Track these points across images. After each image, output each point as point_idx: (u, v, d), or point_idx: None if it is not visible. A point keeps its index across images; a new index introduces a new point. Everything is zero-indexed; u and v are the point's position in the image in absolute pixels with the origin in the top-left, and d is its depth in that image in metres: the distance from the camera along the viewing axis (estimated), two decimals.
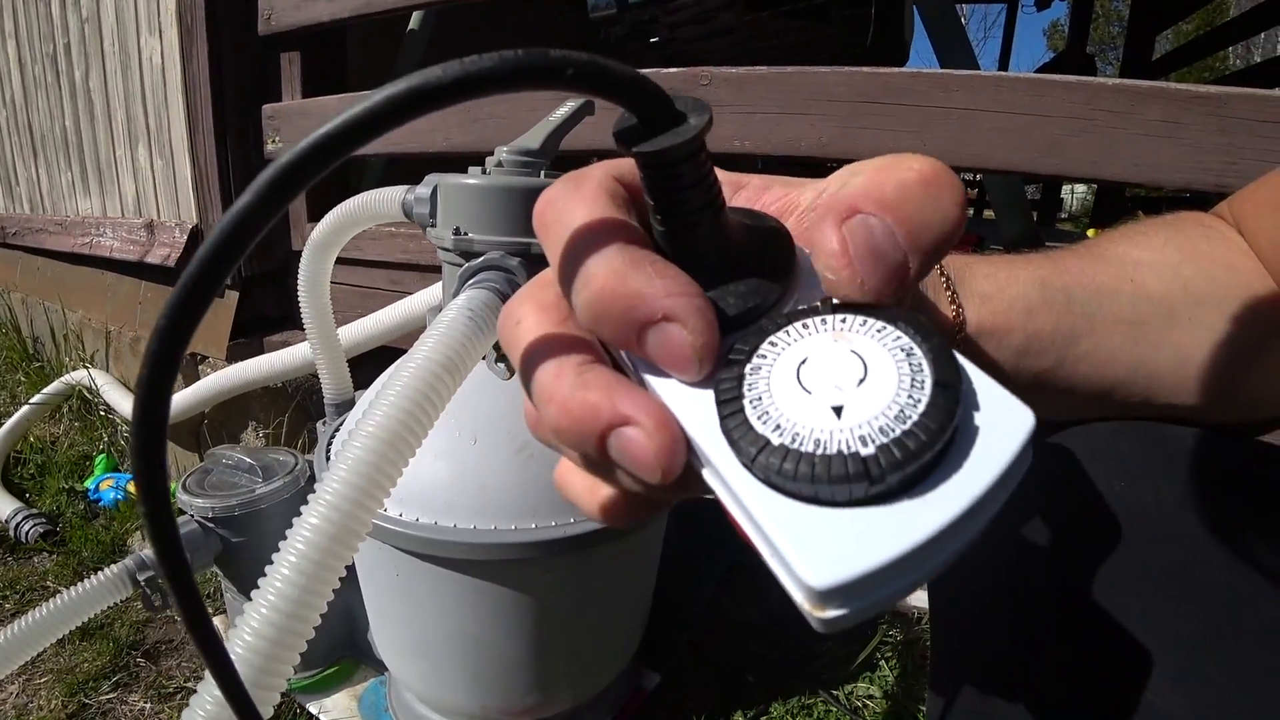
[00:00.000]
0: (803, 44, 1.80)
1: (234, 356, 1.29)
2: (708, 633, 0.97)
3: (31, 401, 1.66)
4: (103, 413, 1.62)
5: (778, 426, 0.16)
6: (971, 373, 0.16)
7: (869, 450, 0.15)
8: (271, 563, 0.36)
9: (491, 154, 0.64)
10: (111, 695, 0.97)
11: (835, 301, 0.17)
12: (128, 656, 1.04)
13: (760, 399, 0.16)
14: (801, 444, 0.15)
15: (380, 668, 0.90)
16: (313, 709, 0.86)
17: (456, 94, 0.14)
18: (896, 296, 0.17)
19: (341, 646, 0.93)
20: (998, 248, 1.25)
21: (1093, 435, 0.31)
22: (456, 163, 0.78)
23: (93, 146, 1.76)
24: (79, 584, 0.80)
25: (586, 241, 0.17)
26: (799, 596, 0.15)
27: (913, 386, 0.15)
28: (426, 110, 0.14)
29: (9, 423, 1.62)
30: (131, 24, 1.47)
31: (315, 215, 1.27)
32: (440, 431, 0.38)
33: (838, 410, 0.16)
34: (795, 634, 0.96)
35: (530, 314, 0.19)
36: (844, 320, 0.17)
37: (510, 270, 0.51)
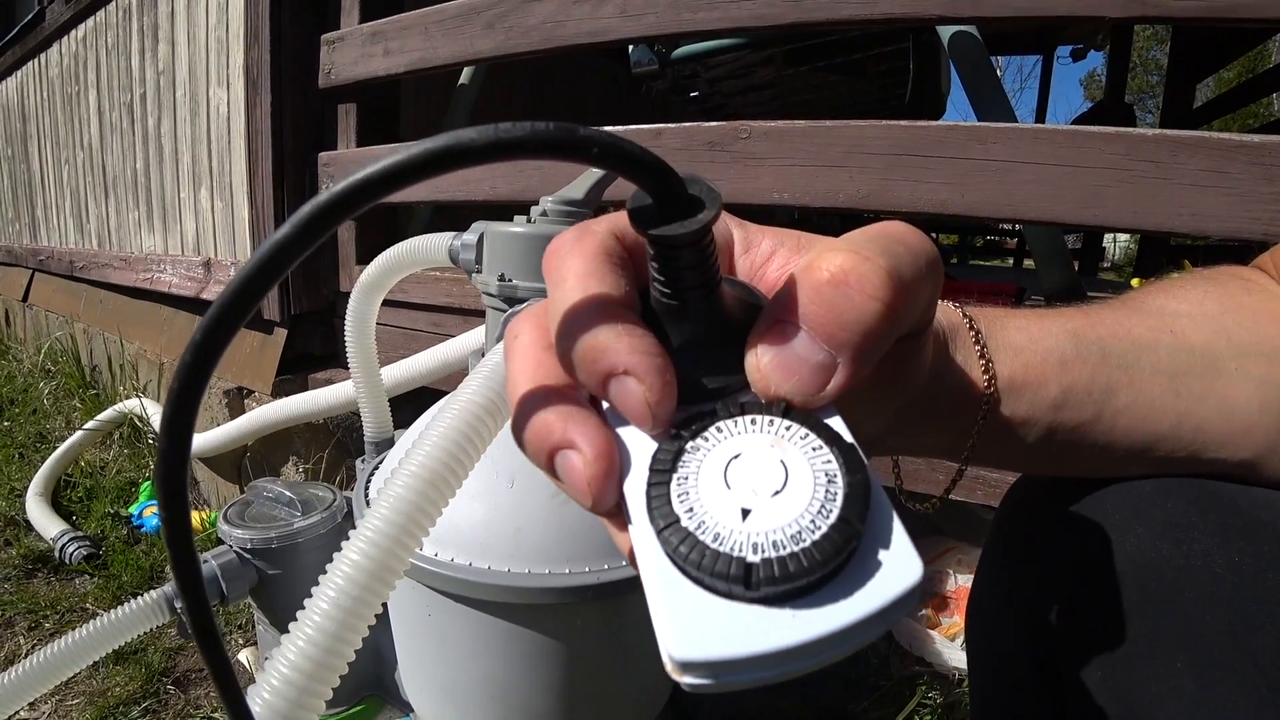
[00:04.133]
0: (839, 98, 1.83)
1: (279, 392, 1.33)
2: (739, 692, 0.95)
3: (85, 427, 1.73)
4: (151, 441, 1.67)
5: (690, 510, 0.17)
6: (883, 514, 0.17)
7: (755, 558, 0.16)
8: (310, 596, 0.37)
9: (535, 203, 0.66)
10: None
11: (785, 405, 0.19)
12: (158, 683, 1.05)
13: (687, 479, 0.18)
14: (703, 533, 0.17)
15: (405, 708, 0.90)
16: None
17: (487, 156, 0.16)
18: (839, 389, 0.19)
19: (368, 685, 0.93)
20: (1038, 299, 1.23)
21: (1135, 493, 0.30)
22: (501, 211, 0.81)
23: (159, 188, 1.86)
24: (117, 608, 0.82)
25: (575, 295, 0.19)
26: (664, 658, 0.16)
27: (818, 514, 0.17)
28: (458, 167, 0.16)
29: (63, 447, 1.68)
30: (202, 76, 1.57)
31: (364, 258, 1.31)
32: (477, 473, 0.39)
33: (745, 513, 0.17)
34: (828, 694, 0.93)
35: (528, 332, 0.21)
36: (788, 428, 0.18)
37: None
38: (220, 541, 0.90)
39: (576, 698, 0.61)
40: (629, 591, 0.56)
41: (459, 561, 0.54)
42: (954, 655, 0.92)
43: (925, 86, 1.63)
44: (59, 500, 1.59)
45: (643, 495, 0.18)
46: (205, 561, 0.87)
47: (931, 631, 0.95)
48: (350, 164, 1.27)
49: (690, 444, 0.18)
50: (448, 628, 0.59)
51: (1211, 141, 0.72)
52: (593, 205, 0.65)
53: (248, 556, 0.85)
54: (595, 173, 0.68)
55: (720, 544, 0.16)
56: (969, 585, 0.99)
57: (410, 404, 0.95)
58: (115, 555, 1.36)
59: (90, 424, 1.74)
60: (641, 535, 0.18)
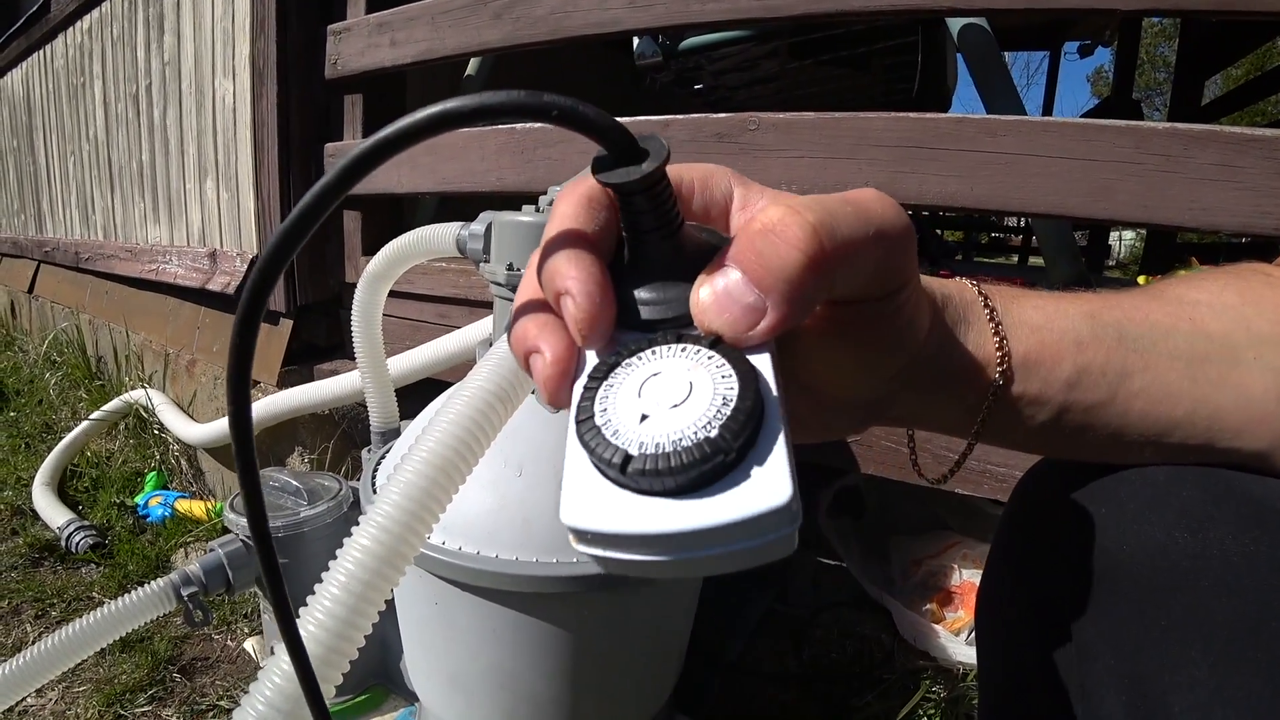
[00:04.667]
0: (843, 91, 1.82)
1: (285, 383, 1.33)
2: (740, 682, 0.95)
3: (91, 418, 1.73)
4: (156, 431, 1.68)
5: (604, 410, 0.21)
6: (772, 441, 0.19)
7: (635, 452, 0.19)
8: (320, 581, 0.37)
9: (542, 194, 0.66)
10: (146, 709, 0.98)
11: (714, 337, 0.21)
12: (164, 671, 1.06)
13: (612, 387, 0.21)
14: (606, 428, 0.20)
15: (410, 698, 0.90)
16: None
17: (474, 119, 0.19)
18: (767, 330, 0.21)
19: (374, 674, 0.93)
20: None
21: (1149, 481, 0.30)
22: (507, 202, 0.81)
23: (165, 179, 1.86)
24: (124, 596, 0.82)
25: (553, 230, 0.23)
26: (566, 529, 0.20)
27: (702, 428, 0.19)
28: (454, 128, 0.20)
29: (69, 437, 1.69)
30: (208, 67, 1.56)
31: (369, 249, 1.31)
32: (486, 462, 0.39)
33: (644, 417, 0.20)
34: (832, 686, 0.93)
35: (531, 260, 0.25)
36: (710, 357, 0.21)
37: None
38: (227, 530, 0.91)
39: (582, 687, 0.61)
40: (636, 582, 0.56)
41: (467, 550, 0.54)
42: (958, 650, 0.92)
43: (931, 81, 1.62)
44: (65, 490, 1.60)
45: (578, 395, 0.22)
46: (211, 550, 0.87)
47: (936, 626, 0.95)
48: None
49: (625, 361, 0.22)
50: (455, 616, 0.59)
51: (1223, 136, 0.72)
52: None
53: (253, 545, 0.86)
54: None
55: (615, 438, 0.20)
56: (973, 580, 0.99)
57: (416, 395, 0.95)
58: (121, 544, 1.36)
59: (96, 414, 1.74)
60: (569, 426, 0.21)
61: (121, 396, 1.77)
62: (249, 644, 1.10)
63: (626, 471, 0.19)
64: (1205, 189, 0.73)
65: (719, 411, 0.19)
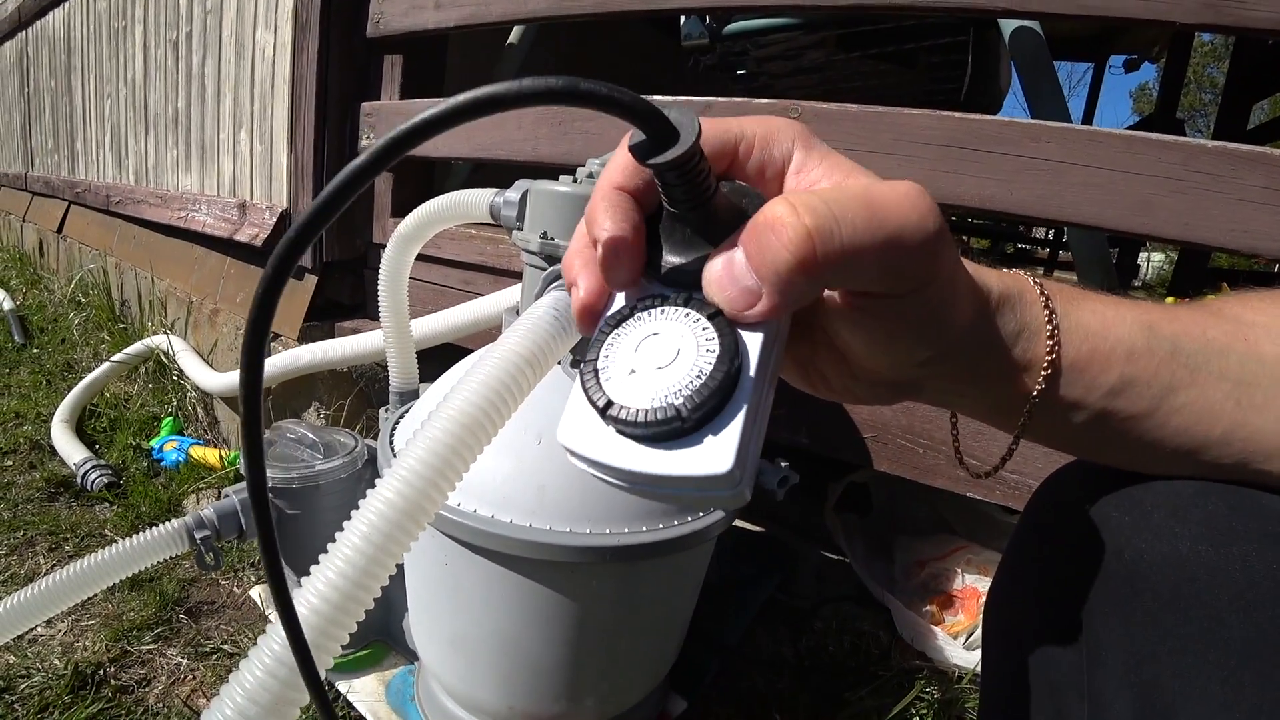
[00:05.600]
0: (886, 87, 1.80)
1: (305, 338, 1.34)
2: (739, 666, 0.95)
3: (113, 359, 1.76)
4: (175, 378, 1.70)
5: (606, 357, 0.24)
6: (733, 415, 0.22)
7: (615, 401, 0.23)
8: (334, 532, 0.37)
9: (581, 165, 0.66)
10: (152, 646, 1.00)
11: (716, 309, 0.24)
12: (171, 611, 1.08)
13: (619, 336, 0.25)
14: (603, 374, 0.24)
15: (410, 657, 0.91)
16: (341, 687, 0.88)
17: (515, 104, 0.21)
18: (762, 314, 0.23)
19: (375, 630, 0.95)
20: None
21: (1176, 492, 0.30)
22: (539, 172, 0.81)
23: (199, 128, 1.87)
24: (139, 534, 0.84)
25: (601, 184, 0.26)
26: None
27: (673, 393, 0.22)
28: (495, 112, 0.21)
29: (89, 377, 1.71)
30: (250, 18, 1.56)
31: (399, 210, 1.32)
32: (506, 428, 0.39)
33: (632, 373, 0.24)
34: (827, 678, 0.94)
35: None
36: (704, 328, 0.24)
37: None
38: (241, 478, 0.92)
39: (584, 658, 0.62)
40: (645, 557, 0.56)
41: (481, 513, 0.55)
42: (955, 653, 0.92)
43: (982, 81, 1.60)
44: (83, 429, 1.63)
45: (594, 335, 0.26)
46: (226, 496, 0.89)
47: (935, 628, 0.96)
48: (393, 115, 1.27)
49: (636, 314, 0.25)
50: (463, 578, 0.60)
51: (1273, 158, 0.70)
52: None
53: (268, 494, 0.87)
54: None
55: (605, 384, 0.24)
56: (976, 585, 0.99)
57: (435, 359, 0.96)
58: (135, 486, 1.39)
59: (118, 356, 1.77)
60: (583, 360, 0.25)
61: (143, 341, 1.79)
62: (254, 591, 1.12)
63: (605, 415, 0.23)
64: (1248, 211, 0.71)
65: (690, 383, 0.22)
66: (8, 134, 4.13)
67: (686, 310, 0.24)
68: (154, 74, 2.13)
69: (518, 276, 1.06)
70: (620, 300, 0.26)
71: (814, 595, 1.04)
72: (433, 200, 0.76)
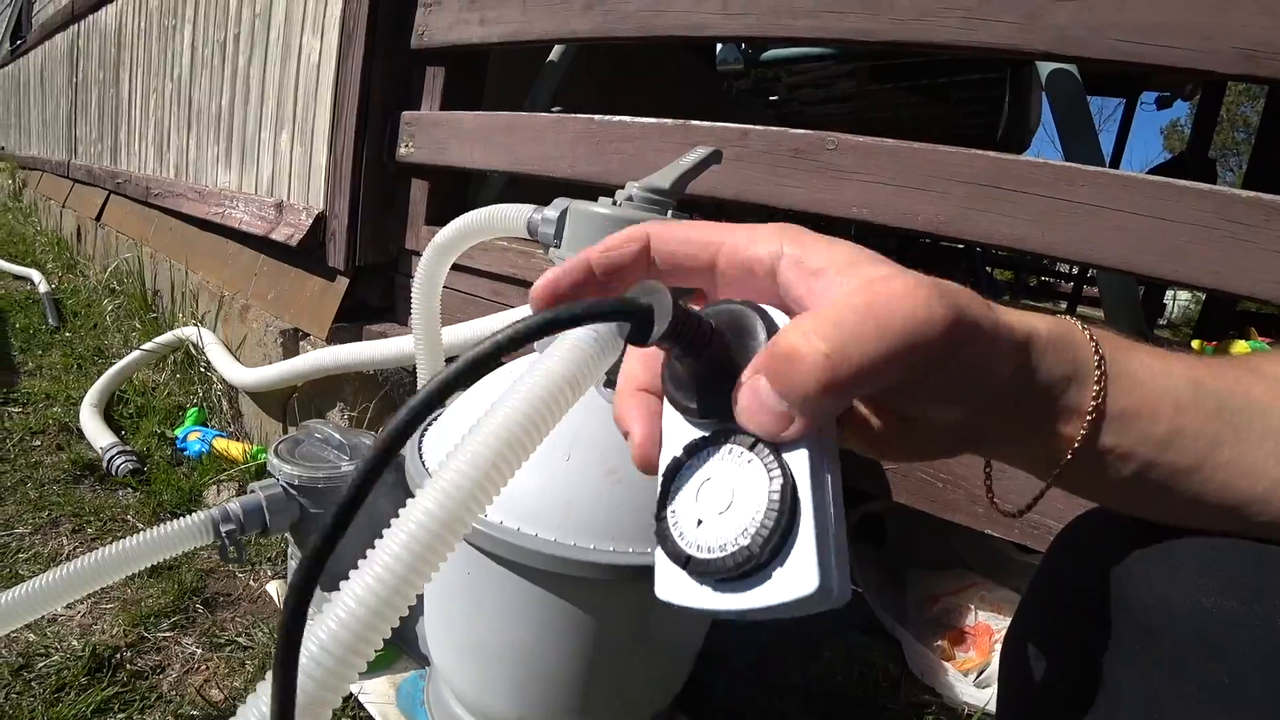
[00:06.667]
0: (916, 119, 1.81)
1: (334, 339, 1.36)
2: (746, 689, 0.95)
3: (143, 348, 1.79)
4: (202, 369, 1.73)
5: (674, 512, 0.27)
6: (800, 536, 0.24)
7: (694, 554, 0.25)
8: (381, 537, 0.38)
9: (619, 186, 0.67)
10: (169, 634, 1.02)
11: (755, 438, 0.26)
12: (189, 601, 1.09)
13: (678, 489, 0.27)
14: (675, 529, 0.27)
15: (421, 661, 0.92)
16: (353, 688, 0.89)
17: (526, 340, 0.26)
18: (798, 433, 0.25)
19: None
20: None
21: (1207, 546, 0.31)
22: (574, 190, 0.82)
23: (241, 127, 1.91)
24: (166, 524, 0.85)
25: (622, 394, 0.32)
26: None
27: (740, 534, 0.24)
28: (516, 349, 0.26)
29: (120, 364, 1.75)
30: (298, 23, 1.61)
31: (432, 219, 1.34)
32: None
33: (700, 523, 0.26)
34: (834, 706, 0.94)
35: (629, 363, 0.33)
36: (750, 461, 0.25)
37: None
38: (263, 473, 0.94)
39: (598, 673, 0.62)
40: None
41: (508, 525, 0.56)
42: (965, 690, 0.91)
43: (1016, 120, 1.60)
44: (110, 414, 1.66)
45: (657, 490, 0.28)
46: (252, 491, 0.91)
47: (946, 663, 0.95)
48: (432, 125, 1.30)
49: (687, 462, 0.27)
50: (484, 588, 0.61)
51: None
52: (677, 196, 0.66)
53: (293, 492, 0.88)
54: (682, 164, 0.69)
55: (680, 539, 0.26)
56: (989, 623, 0.99)
57: None
58: (158, 474, 1.41)
59: (148, 345, 1.80)
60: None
61: (174, 331, 1.83)
62: (271, 586, 1.14)
63: (687, 568, 0.26)
64: None
65: (753, 519, 0.24)
66: (53, 122, 4.24)
67: (730, 447, 0.26)
68: (200, 72, 2.18)
69: None
70: (678, 432, 0.29)
71: (825, 623, 1.04)
72: (472, 213, 0.78)
